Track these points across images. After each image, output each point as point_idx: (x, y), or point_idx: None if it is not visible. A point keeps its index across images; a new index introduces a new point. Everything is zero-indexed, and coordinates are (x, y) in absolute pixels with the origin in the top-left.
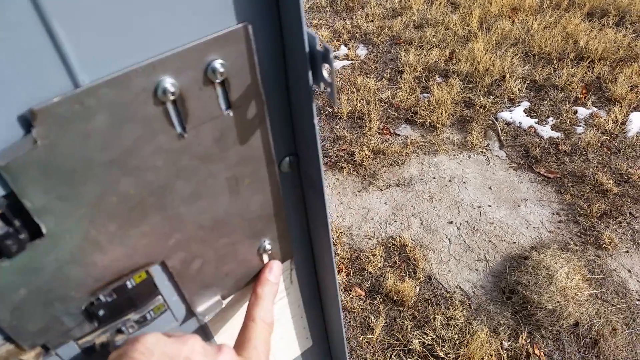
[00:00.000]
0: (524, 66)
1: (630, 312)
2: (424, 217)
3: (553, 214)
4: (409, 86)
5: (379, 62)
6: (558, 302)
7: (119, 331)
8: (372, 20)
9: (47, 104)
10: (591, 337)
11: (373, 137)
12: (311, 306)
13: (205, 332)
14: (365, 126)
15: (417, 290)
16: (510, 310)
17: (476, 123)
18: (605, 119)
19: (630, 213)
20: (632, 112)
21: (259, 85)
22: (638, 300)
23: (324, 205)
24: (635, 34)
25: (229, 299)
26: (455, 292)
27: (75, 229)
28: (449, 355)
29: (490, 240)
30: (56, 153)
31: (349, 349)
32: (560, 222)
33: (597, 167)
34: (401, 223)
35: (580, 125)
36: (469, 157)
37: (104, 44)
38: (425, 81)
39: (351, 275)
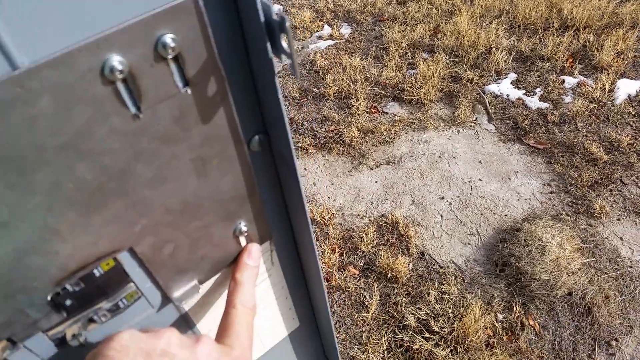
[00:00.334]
0: (509, 38)
1: (622, 279)
2: (415, 194)
3: (544, 184)
4: (395, 63)
5: (364, 41)
6: (551, 272)
7: (91, 320)
8: None
9: None
10: (585, 306)
11: (361, 117)
12: (295, 287)
13: (186, 321)
14: (353, 106)
15: (411, 266)
16: (504, 282)
17: (464, 97)
18: (592, 87)
19: (620, 180)
20: (619, 79)
21: (217, 60)
22: (630, 267)
23: (298, 183)
24: (619, 0)
25: (209, 284)
26: (448, 266)
27: (32, 218)
28: (444, 329)
29: (482, 214)
30: (0, 140)
31: (344, 327)
32: (551, 192)
33: (586, 135)
34: (393, 201)
35: (568, 95)
36: (458, 132)
37: (41, 22)
38: (411, 57)
39: (344, 255)
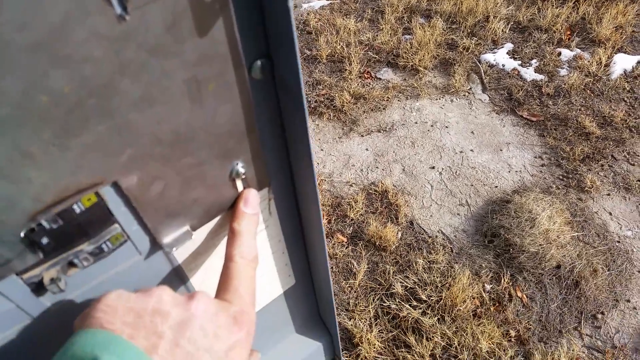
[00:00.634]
0: (508, 6)
1: (610, 253)
2: (406, 162)
3: (535, 157)
4: (390, 27)
5: (359, 2)
6: (540, 245)
7: (72, 264)
8: None
9: None
10: (572, 279)
11: (354, 82)
12: (293, 241)
13: (179, 275)
14: (346, 70)
15: (399, 235)
16: (492, 253)
17: (459, 66)
18: (589, 61)
19: (612, 156)
20: (616, 53)
21: None
22: (618, 242)
23: (305, 119)
24: None
25: (202, 234)
26: (437, 236)
27: (1, 135)
28: (431, 298)
29: (472, 185)
30: None
31: None
32: (542, 165)
33: (580, 109)
34: (383, 169)
35: (563, 68)
36: (452, 101)
37: None
38: (408, 22)
39: (333, 222)
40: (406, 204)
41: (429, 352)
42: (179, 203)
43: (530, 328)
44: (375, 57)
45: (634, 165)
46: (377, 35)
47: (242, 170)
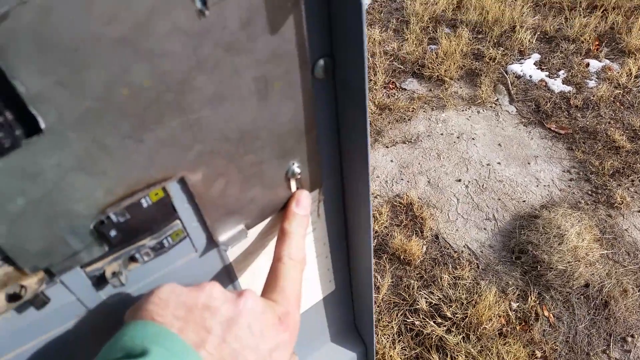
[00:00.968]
0: (534, 16)
1: None
2: (432, 175)
3: (564, 171)
4: (415, 37)
5: (384, 12)
6: (569, 262)
7: (133, 259)
8: None
9: None
10: (601, 299)
11: (379, 92)
12: (337, 245)
13: (228, 273)
14: (370, 80)
15: (424, 249)
16: (520, 270)
17: (485, 76)
18: (618, 72)
19: None
20: None
21: None
22: None
23: (365, 120)
24: None
25: (254, 234)
26: (462, 251)
27: (81, 126)
28: (456, 315)
29: (500, 199)
30: (52, 19)
31: None
32: (571, 180)
33: (609, 122)
34: (408, 181)
35: (592, 79)
36: (478, 112)
37: None
38: (433, 32)
39: None
40: (431, 217)
41: None
42: (237, 201)
43: (556, 349)
44: (401, 68)
45: None
46: (402, 45)
47: (297, 170)
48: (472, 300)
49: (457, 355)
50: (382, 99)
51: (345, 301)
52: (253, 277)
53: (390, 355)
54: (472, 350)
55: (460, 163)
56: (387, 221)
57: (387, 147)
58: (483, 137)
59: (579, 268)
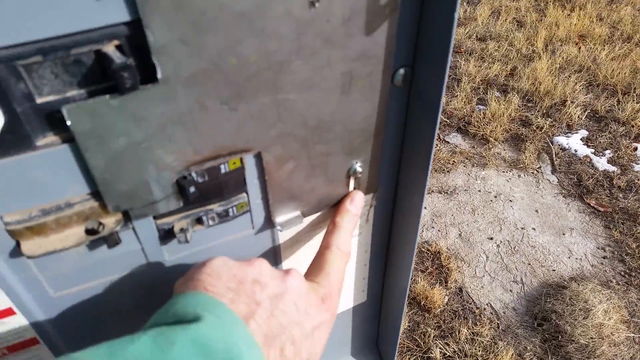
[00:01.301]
0: (586, 94)
1: None
2: (464, 228)
3: (598, 248)
4: (465, 95)
5: None
6: (592, 338)
7: (199, 221)
8: None
9: None
10: None
11: None
12: (377, 255)
13: (275, 256)
14: None
15: (446, 300)
16: (540, 337)
17: (530, 143)
18: None
19: None
20: None
21: None
22: None
23: (434, 133)
24: None
25: (307, 221)
26: (485, 309)
27: (190, 83)
28: None
29: (530, 264)
30: None
31: None
32: (604, 257)
33: None
34: (439, 230)
35: (638, 163)
36: (519, 176)
37: None
38: (483, 93)
39: None
40: (458, 270)
41: None
42: (300, 187)
43: None
44: (446, 121)
45: None
46: (450, 101)
47: (359, 169)
48: (488, 358)
49: None
50: None
51: (374, 316)
52: (296, 265)
53: None
54: None
55: (495, 222)
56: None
57: None
58: (521, 200)
59: (602, 346)
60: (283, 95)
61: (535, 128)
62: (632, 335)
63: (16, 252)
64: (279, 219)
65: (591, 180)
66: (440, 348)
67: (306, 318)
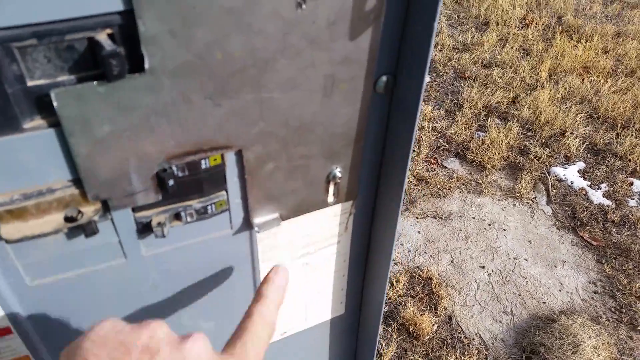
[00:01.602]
0: (586, 126)
1: None
2: (456, 255)
3: (589, 282)
4: (465, 121)
5: (440, 92)
6: None
7: (177, 217)
8: (441, 50)
9: None
10: None
11: (419, 164)
12: (356, 266)
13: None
14: (414, 151)
15: (435, 327)
16: None
17: (527, 172)
18: None
19: None
20: None
21: None
22: None
23: (411, 140)
24: None
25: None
26: (474, 339)
27: (176, 75)
28: None
29: (520, 295)
30: None
31: None
32: (595, 292)
33: None
34: (431, 256)
35: (634, 199)
36: (514, 205)
37: None
38: (484, 120)
39: None
40: (448, 297)
41: None
42: (280, 189)
43: None
44: (445, 146)
45: None
46: (451, 126)
47: (339, 174)
48: None
49: None
50: (421, 171)
51: (351, 330)
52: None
53: None
54: None
55: (487, 250)
56: (403, 290)
57: (417, 217)
58: (514, 230)
59: None
60: (266, 94)
61: (533, 157)
62: None
63: None
64: (257, 219)
65: (585, 213)
66: None
67: None
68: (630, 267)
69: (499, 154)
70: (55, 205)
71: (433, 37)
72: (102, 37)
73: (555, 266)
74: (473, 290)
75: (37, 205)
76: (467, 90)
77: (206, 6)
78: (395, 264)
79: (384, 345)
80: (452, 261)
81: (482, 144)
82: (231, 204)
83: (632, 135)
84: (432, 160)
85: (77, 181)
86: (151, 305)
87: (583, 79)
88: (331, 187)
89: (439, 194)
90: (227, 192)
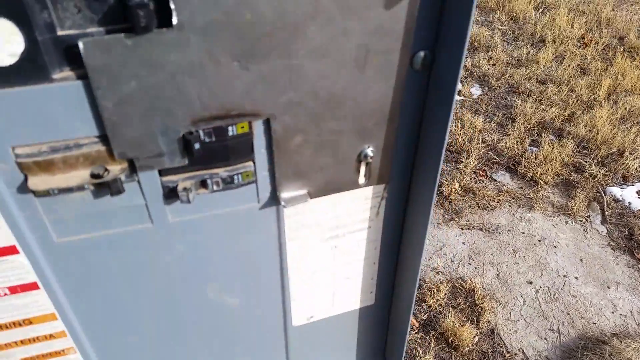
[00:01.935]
0: None
1: None
2: (502, 269)
3: None
4: (518, 135)
5: (492, 105)
6: None
7: (204, 184)
8: (495, 65)
9: None
10: None
11: (467, 175)
12: (387, 254)
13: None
14: (462, 162)
15: (476, 339)
16: None
17: (582, 190)
18: None
19: None
20: None
21: None
22: None
23: (448, 120)
24: None
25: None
26: (516, 354)
27: (204, 33)
28: None
29: (569, 314)
30: None
31: None
32: None
33: None
34: (476, 268)
35: None
36: (566, 222)
37: None
38: (537, 135)
39: None
40: (492, 310)
41: None
42: (308, 165)
43: None
44: (495, 159)
45: None
46: (502, 139)
47: (370, 154)
48: None
49: None
50: (468, 182)
51: (381, 322)
52: (300, 251)
53: None
54: None
55: (536, 266)
56: (444, 300)
57: (462, 228)
58: (566, 247)
59: None
60: (296, 60)
61: (588, 176)
62: None
63: (24, 188)
64: (285, 194)
65: None
66: None
67: None
68: None
69: (552, 169)
70: (82, 160)
71: (473, 11)
72: None
73: (609, 287)
74: (518, 305)
75: (64, 159)
76: (520, 104)
77: None
78: (437, 272)
79: (420, 352)
80: (497, 274)
81: (535, 159)
82: (258, 176)
83: None
84: (481, 172)
85: (104, 138)
86: (176, 276)
87: None
88: (362, 167)
89: (487, 207)
90: (254, 163)
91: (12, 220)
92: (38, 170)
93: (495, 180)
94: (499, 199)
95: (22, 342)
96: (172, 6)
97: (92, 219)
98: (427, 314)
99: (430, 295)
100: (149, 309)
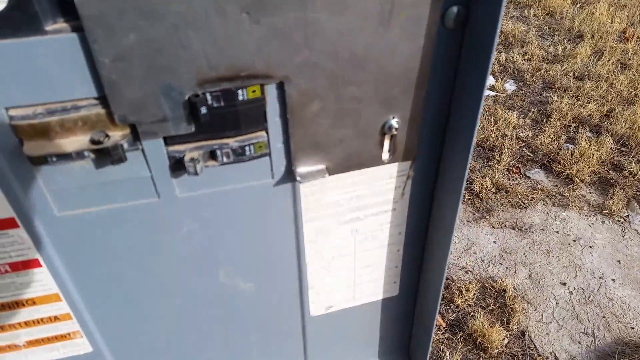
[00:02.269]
0: None
1: None
2: (535, 269)
3: None
4: (553, 132)
5: (527, 101)
6: None
7: (213, 156)
8: (530, 60)
9: None
10: None
11: (499, 172)
12: (413, 241)
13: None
14: (494, 159)
15: (506, 341)
16: None
17: (620, 189)
18: None
19: None
20: None
21: None
22: None
23: (482, 91)
24: None
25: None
26: (548, 358)
27: None
28: None
29: (604, 317)
30: None
31: None
32: None
33: None
34: (507, 267)
35: None
36: (603, 222)
37: None
38: (574, 132)
39: None
40: (523, 312)
41: None
42: (326, 136)
43: None
44: (530, 156)
45: None
46: (537, 135)
47: (395, 125)
48: None
49: None
50: (500, 180)
51: (406, 315)
52: (318, 234)
53: None
54: None
55: (570, 267)
56: (472, 300)
57: (493, 227)
58: (602, 248)
59: None
60: (312, 13)
61: (627, 174)
62: None
63: (20, 155)
64: (301, 169)
65: None
66: None
67: None
68: None
69: (589, 167)
70: (80, 124)
71: None
72: None
73: None
74: (551, 306)
75: (61, 123)
76: (556, 100)
77: None
78: (466, 272)
79: (447, 353)
80: (530, 275)
81: (571, 156)
82: (272, 149)
83: None
84: (514, 169)
85: (104, 100)
86: (185, 255)
87: None
88: (386, 141)
89: (520, 205)
90: (267, 133)
91: (11, 192)
92: (34, 135)
93: (529, 177)
94: (532, 197)
95: (27, 323)
96: None
97: (95, 191)
98: (455, 314)
99: (459, 295)
100: (158, 291)
